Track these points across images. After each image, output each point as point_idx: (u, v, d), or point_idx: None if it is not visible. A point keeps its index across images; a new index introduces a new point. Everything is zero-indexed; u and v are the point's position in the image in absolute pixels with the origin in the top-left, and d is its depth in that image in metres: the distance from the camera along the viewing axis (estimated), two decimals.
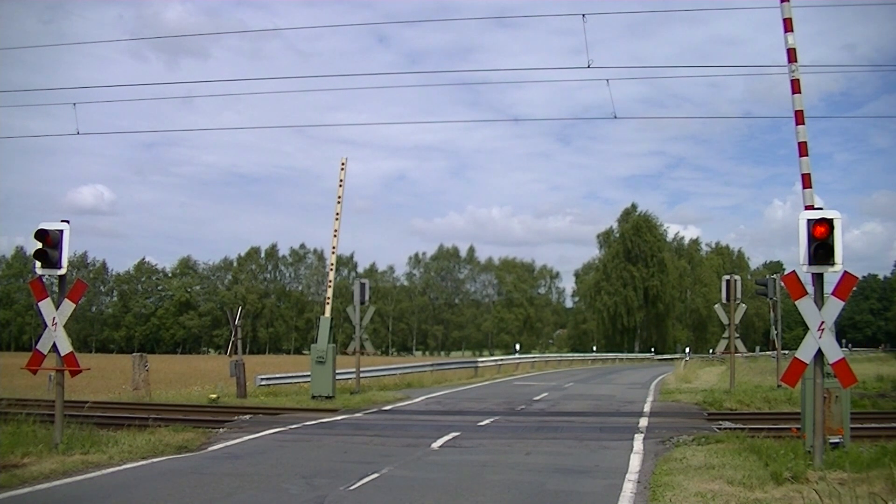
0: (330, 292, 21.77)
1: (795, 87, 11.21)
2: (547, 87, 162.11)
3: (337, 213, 21.59)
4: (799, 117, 11.16)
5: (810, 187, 10.95)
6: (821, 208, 9.56)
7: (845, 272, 9.31)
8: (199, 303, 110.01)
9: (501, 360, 43.29)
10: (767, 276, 29.96)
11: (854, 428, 10.28)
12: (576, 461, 10.33)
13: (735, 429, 12.84)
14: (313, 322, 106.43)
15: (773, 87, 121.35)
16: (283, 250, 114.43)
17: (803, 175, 11.00)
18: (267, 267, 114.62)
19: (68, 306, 10.94)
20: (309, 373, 21.38)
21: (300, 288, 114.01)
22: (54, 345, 10.87)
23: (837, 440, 9.87)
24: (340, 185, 21.59)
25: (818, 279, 9.50)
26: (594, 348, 74.24)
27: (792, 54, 11.26)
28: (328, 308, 21.45)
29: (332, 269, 21.85)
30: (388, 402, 20.18)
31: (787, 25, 11.32)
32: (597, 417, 16.66)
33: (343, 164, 21.83)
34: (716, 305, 25.46)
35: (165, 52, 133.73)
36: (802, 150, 11.10)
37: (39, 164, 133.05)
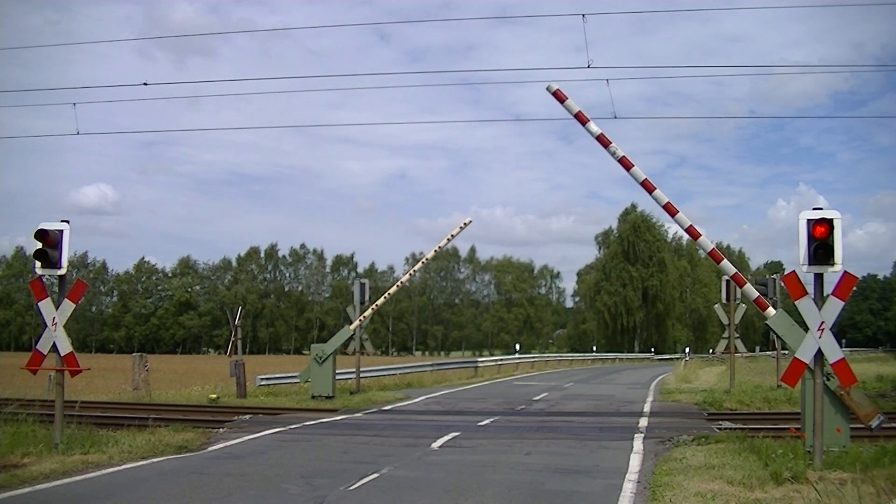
0: (369, 313, 22.21)
1: (625, 163, 11.80)
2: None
3: (426, 258, 24.17)
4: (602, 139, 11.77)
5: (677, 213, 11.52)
6: (821, 208, 9.56)
7: (845, 272, 9.31)
8: (199, 303, 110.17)
9: (501, 360, 43.27)
10: (767, 276, 29.94)
11: (854, 428, 10.27)
12: (576, 461, 10.33)
13: (735, 429, 12.85)
14: (313, 322, 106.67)
15: (778, 86, 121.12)
16: (283, 250, 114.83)
17: (664, 205, 11.62)
18: (267, 267, 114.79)
19: (68, 306, 10.95)
20: None
21: (300, 288, 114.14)
22: (54, 345, 10.88)
23: (877, 422, 10.13)
24: (449, 241, 22.26)
25: (818, 279, 9.50)
26: (594, 348, 74.24)
27: (603, 139, 11.86)
28: (356, 323, 21.55)
29: (385, 298, 22.41)
30: (388, 402, 20.18)
31: (581, 118, 11.98)
32: (596, 417, 16.66)
33: (465, 224, 21.92)
34: (716, 305, 25.46)
35: (173, 51, 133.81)
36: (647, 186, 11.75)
37: (40, 163, 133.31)
